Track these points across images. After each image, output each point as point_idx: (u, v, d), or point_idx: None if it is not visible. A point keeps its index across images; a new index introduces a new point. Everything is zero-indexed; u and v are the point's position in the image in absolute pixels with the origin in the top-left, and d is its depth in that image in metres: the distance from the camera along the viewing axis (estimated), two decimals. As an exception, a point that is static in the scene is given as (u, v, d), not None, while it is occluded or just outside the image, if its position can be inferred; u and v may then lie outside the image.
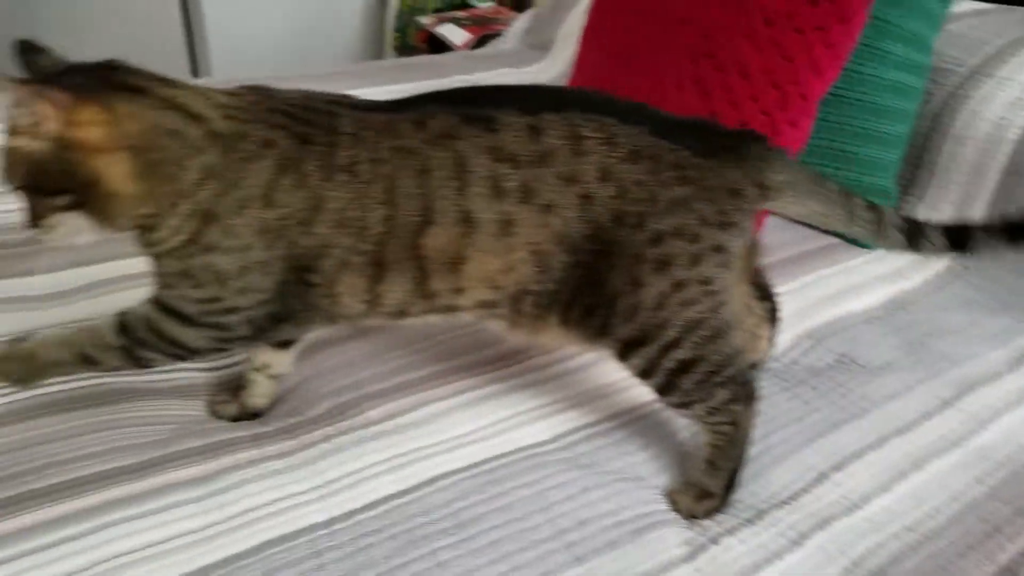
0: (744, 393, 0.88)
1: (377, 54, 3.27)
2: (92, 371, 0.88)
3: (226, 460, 0.87)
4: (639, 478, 0.90)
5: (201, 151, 0.79)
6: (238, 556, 0.76)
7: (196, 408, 0.98)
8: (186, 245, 0.80)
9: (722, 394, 0.86)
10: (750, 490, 0.89)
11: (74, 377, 0.95)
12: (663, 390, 0.87)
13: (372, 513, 0.82)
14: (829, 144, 1.26)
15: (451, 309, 0.87)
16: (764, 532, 0.84)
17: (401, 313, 0.87)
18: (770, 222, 1.27)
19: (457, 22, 2.78)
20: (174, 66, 2.58)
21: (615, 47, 1.34)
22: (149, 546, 0.77)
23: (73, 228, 0.80)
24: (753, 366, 1.05)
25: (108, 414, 0.92)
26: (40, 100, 0.72)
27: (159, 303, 0.84)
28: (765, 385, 1.04)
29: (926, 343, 1.14)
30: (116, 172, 0.77)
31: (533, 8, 2.47)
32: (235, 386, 0.99)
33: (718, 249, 0.83)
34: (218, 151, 0.79)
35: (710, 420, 0.87)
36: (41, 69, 0.80)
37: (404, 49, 3.06)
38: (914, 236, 0.89)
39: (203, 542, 0.77)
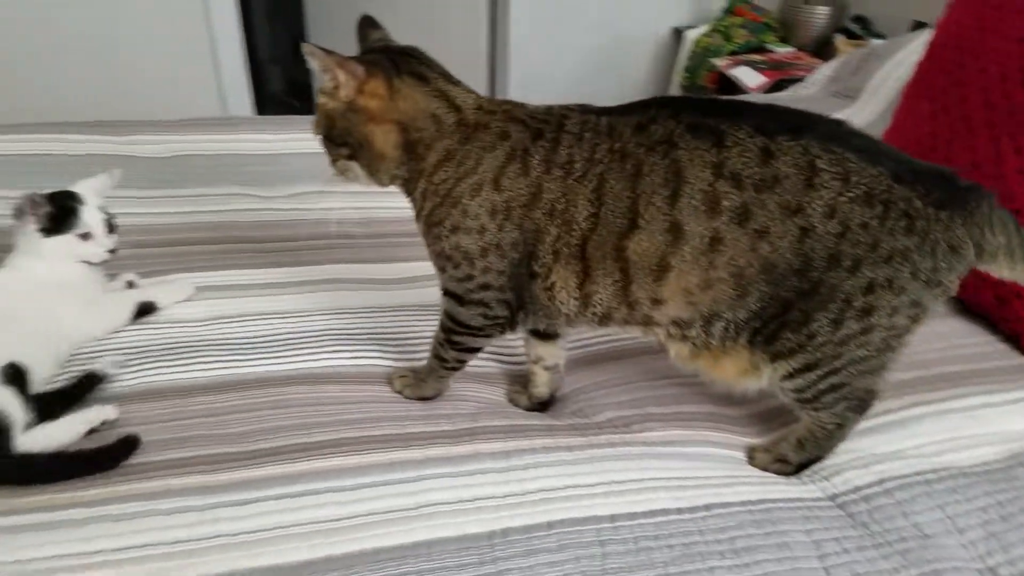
0: (862, 407, 0.93)
1: (662, 92, 3.36)
2: (444, 366, 1.05)
3: (523, 442, 0.99)
4: (924, 538, 0.87)
5: (447, 136, 0.92)
6: (534, 527, 0.86)
7: (495, 393, 1.11)
8: (438, 225, 0.94)
9: (844, 404, 0.92)
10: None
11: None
12: (804, 400, 0.92)
13: (652, 521, 0.88)
14: None
15: (649, 322, 0.91)
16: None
17: (606, 318, 0.93)
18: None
19: (753, 65, 2.79)
20: (476, 80, 2.87)
21: (946, 104, 1.29)
22: (461, 501, 0.89)
23: (354, 174, 0.98)
24: None
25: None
26: (340, 69, 0.90)
27: (444, 290, 1.00)
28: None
29: None
30: (383, 139, 0.93)
31: (840, 55, 2.41)
32: (525, 380, 1.11)
33: (916, 304, 0.85)
34: (459, 138, 0.92)
35: (822, 418, 0.94)
36: (369, 42, 1.00)
37: (691, 89, 3.12)
38: None
39: (504, 508, 0.89)
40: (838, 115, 0.92)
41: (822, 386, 0.90)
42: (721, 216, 0.83)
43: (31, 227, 1.09)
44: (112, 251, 1.14)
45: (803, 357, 0.88)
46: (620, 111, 0.90)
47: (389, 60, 0.93)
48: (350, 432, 0.98)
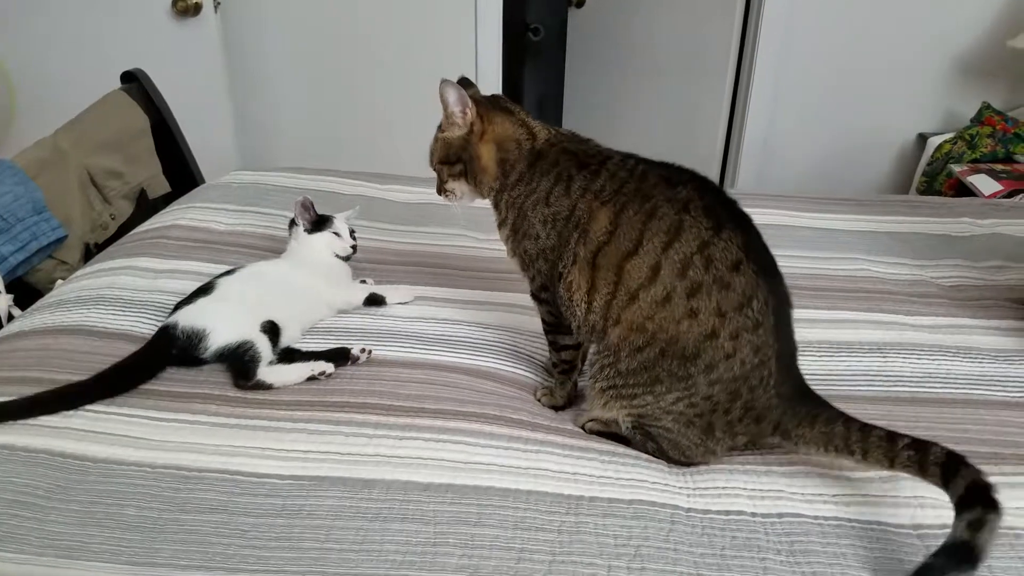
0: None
1: (902, 193, 3.28)
2: (556, 369, 1.27)
3: (632, 450, 1.15)
4: None
5: (522, 161, 1.20)
6: (618, 500, 1.03)
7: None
8: (515, 232, 1.21)
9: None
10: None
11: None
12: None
13: (723, 517, 1.01)
14: None
15: (601, 333, 1.11)
16: None
17: (590, 329, 1.13)
18: None
19: (993, 174, 2.68)
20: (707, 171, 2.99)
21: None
22: (564, 472, 1.08)
23: (460, 191, 1.27)
24: None
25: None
26: (471, 100, 1.21)
27: (530, 294, 1.26)
28: None
29: None
30: (487, 154, 1.22)
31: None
32: None
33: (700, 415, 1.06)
34: (529, 163, 1.19)
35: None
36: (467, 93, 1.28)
37: (928, 194, 3.03)
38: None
39: (597, 484, 1.06)
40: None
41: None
42: (684, 281, 1.01)
43: (300, 228, 1.49)
44: (353, 247, 1.53)
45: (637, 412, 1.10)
46: (656, 165, 1.12)
47: (487, 101, 1.26)
48: (492, 411, 1.20)
